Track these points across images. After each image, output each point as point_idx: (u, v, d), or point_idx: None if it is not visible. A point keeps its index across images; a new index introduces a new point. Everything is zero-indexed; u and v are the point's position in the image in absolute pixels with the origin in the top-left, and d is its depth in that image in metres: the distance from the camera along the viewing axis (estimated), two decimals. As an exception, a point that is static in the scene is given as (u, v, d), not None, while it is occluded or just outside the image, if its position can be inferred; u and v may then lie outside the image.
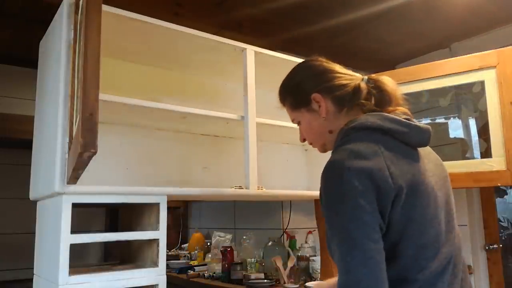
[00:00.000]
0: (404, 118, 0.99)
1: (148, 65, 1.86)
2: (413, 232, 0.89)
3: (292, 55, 1.91)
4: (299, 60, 1.89)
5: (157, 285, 1.34)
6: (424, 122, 2.76)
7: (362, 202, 0.86)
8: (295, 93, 1.15)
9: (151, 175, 1.75)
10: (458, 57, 2.11)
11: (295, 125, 1.69)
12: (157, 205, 1.38)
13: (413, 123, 0.98)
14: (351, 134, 0.98)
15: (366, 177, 0.87)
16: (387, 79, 1.09)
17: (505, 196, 3.54)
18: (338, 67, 1.12)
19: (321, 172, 0.94)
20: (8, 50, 2.88)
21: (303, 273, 2.23)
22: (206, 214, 3.45)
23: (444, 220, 0.95)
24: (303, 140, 1.21)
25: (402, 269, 0.89)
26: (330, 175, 0.91)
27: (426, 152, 1.02)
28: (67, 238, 1.20)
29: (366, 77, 1.10)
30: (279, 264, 2.15)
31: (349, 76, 1.10)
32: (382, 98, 1.05)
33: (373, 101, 1.05)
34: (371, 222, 0.86)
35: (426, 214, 0.91)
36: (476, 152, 2.66)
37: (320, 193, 0.94)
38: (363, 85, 1.07)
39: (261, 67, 1.76)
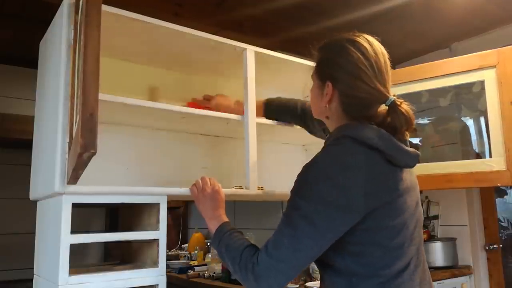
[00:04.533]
0: (400, 140, 1.03)
1: (148, 65, 1.86)
2: (381, 239, 0.97)
3: (292, 55, 1.91)
4: (299, 60, 1.90)
5: (157, 285, 1.34)
6: (424, 122, 2.77)
7: (327, 210, 0.93)
8: (321, 61, 1.13)
9: (151, 175, 1.75)
10: (458, 57, 2.11)
11: (295, 125, 1.67)
12: (157, 205, 1.38)
13: (404, 148, 1.02)
14: (344, 140, 1.00)
15: (340, 191, 0.93)
16: (408, 108, 1.05)
17: (505, 196, 3.54)
18: (372, 71, 1.04)
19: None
20: (8, 50, 2.87)
21: (303, 273, 2.23)
22: (206, 214, 3.44)
23: (412, 226, 1.02)
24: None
25: (369, 266, 0.97)
26: (310, 174, 0.99)
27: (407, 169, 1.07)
28: (67, 238, 1.20)
29: (392, 98, 1.04)
30: (279, 264, 2.15)
31: (376, 91, 1.03)
32: (394, 123, 1.04)
33: (384, 120, 1.05)
34: (323, 230, 0.94)
35: (396, 224, 0.98)
36: (476, 152, 2.66)
37: (297, 178, 1.02)
38: (381, 108, 1.05)
39: (261, 67, 1.76)
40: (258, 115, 1.68)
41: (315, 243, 0.94)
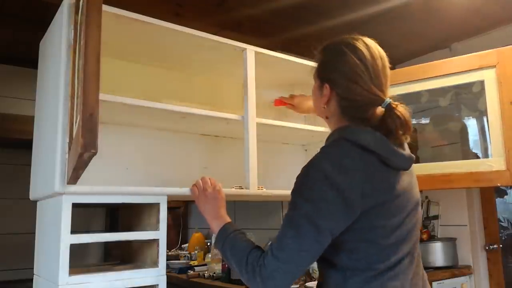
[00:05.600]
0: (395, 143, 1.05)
1: (148, 65, 1.86)
2: (375, 237, 1.00)
3: (292, 55, 1.91)
4: (299, 60, 1.91)
5: (157, 285, 1.34)
6: (424, 122, 2.77)
7: (327, 209, 0.96)
8: (321, 62, 1.17)
9: (151, 175, 1.75)
10: (458, 57, 2.11)
11: (295, 125, 1.67)
12: (157, 205, 1.38)
13: (399, 152, 1.04)
14: (341, 142, 1.03)
15: (338, 191, 0.96)
16: (404, 111, 1.07)
17: (505, 196, 3.54)
18: (368, 74, 1.06)
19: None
20: (8, 50, 2.88)
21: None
22: (206, 214, 3.44)
23: (409, 225, 1.05)
24: None
25: (363, 260, 1.00)
26: (309, 174, 1.02)
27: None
28: (67, 238, 1.20)
29: (388, 100, 1.07)
30: (279, 264, 2.15)
31: (372, 94, 1.06)
32: (389, 126, 1.05)
33: (381, 122, 1.06)
34: (324, 228, 0.96)
35: (391, 224, 1.01)
36: (476, 152, 2.66)
37: (296, 180, 1.04)
38: (379, 110, 1.07)
39: (261, 67, 1.76)
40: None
41: (317, 242, 0.97)
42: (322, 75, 1.15)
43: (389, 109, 1.06)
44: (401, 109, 1.06)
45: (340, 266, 1.02)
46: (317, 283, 1.13)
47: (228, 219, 1.21)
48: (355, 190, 0.96)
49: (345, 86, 1.09)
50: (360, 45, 1.09)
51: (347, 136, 1.04)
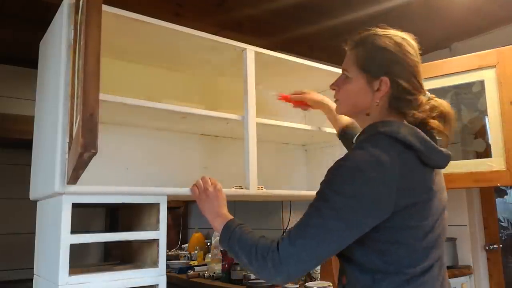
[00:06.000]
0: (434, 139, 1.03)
1: (148, 65, 1.86)
2: (407, 239, 0.96)
3: (292, 55, 1.91)
4: (299, 60, 1.90)
5: (157, 285, 1.34)
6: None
7: (357, 205, 0.92)
8: (373, 55, 1.07)
9: (151, 175, 1.75)
10: (458, 57, 2.11)
11: (295, 125, 1.62)
12: (157, 205, 1.38)
13: (438, 148, 1.01)
14: (379, 137, 0.99)
15: (371, 186, 0.92)
16: (447, 104, 1.07)
17: (505, 196, 3.55)
18: (419, 68, 1.08)
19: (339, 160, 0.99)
20: (8, 50, 2.88)
21: (303, 273, 2.23)
22: (206, 214, 3.44)
23: (438, 230, 1.03)
24: (333, 89, 1.17)
25: (394, 264, 0.96)
26: (343, 167, 0.96)
27: (438, 170, 1.07)
28: (67, 238, 1.20)
29: (428, 94, 1.07)
30: (279, 264, 2.14)
31: (421, 86, 1.07)
32: (434, 121, 1.05)
33: (426, 118, 1.05)
34: (351, 224, 0.93)
35: (423, 225, 0.98)
36: (476, 152, 2.65)
37: (329, 172, 0.99)
38: (424, 99, 1.05)
39: (261, 67, 1.76)
40: None
41: (340, 237, 0.94)
42: (376, 68, 1.06)
43: (431, 102, 1.05)
44: (444, 103, 1.05)
45: (369, 268, 0.97)
46: (340, 285, 1.07)
47: (230, 217, 1.18)
48: (389, 187, 0.92)
49: (407, 78, 1.04)
50: (408, 37, 1.09)
51: (387, 131, 0.99)
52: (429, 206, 0.99)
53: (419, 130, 1.00)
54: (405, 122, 1.04)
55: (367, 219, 0.93)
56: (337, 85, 1.15)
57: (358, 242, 0.96)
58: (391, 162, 0.94)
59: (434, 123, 1.04)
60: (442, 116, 1.05)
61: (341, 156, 1.00)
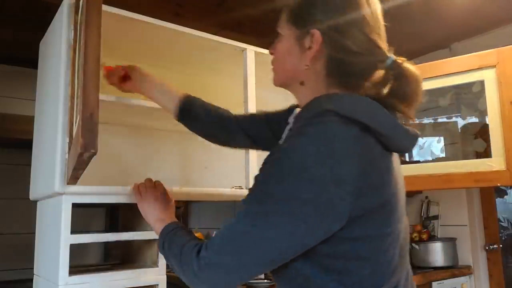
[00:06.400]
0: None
1: (148, 65, 1.85)
2: (372, 252, 0.75)
3: (292, 55, 1.91)
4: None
5: (157, 285, 1.34)
6: (424, 122, 2.76)
7: (301, 210, 0.70)
8: (300, 5, 0.86)
9: (151, 175, 1.75)
10: (458, 57, 2.11)
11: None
12: (157, 205, 1.38)
13: (404, 127, 0.78)
14: (328, 118, 0.72)
15: (320, 187, 0.69)
16: (415, 69, 0.81)
17: (505, 196, 3.55)
18: (372, 19, 0.81)
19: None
20: (8, 50, 2.87)
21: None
22: (206, 214, 3.45)
23: (404, 231, 0.82)
24: (271, 53, 0.99)
25: (356, 285, 0.74)
26: (283, 161, 0.73)
27: (395, 154, 0.83)
28: (67, 238, 1.20)
29: (393, 57, 0.81)
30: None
31: (376, 46, 0.81)
32: (400, 91, 0.78)
33: (384, 90, 0.78)
34: (290, 235, 0.71)
35: (390, 232, 0.76)
36: (476, 152, 2.65)
37: (264, 166, 0.77)
38: (380, 73, 0.79)
39: (261, 67, 1.76)
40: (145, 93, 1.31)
41: (273, 250, 0.72)
42: (304, 18, 0.83)
43: (396, 68, 0.79)
44: (411, 67, 0.80)
45: None
46: None
47: (172, 221, 1.02)
48: (345, 186, 0.69)
49: (343, 30, 0.79)
50: None
51: (336, 108, 0.72)
52: (393, 205, 0.76)
53: (378, 105, 0.76)
54: (357, 94, 0.79)
55: (313, 230, 0.70)
56: (273, 48, 0.95)
57: (304, 259, 0.75)
58: (345, 152, 0.70)
59: (394, 100, 0.78)
60: (406, 91, 0.79)
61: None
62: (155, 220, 1.08)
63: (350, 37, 0.79)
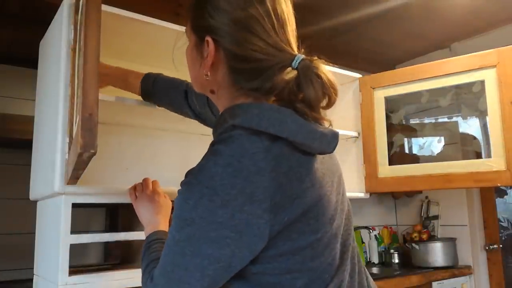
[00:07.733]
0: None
1: (148, 65, 1.85)
2: (303, 263, 0.72)
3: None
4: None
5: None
6: (424, 122, 2.76)
7: (219, 235, 0.67)
8: (198, 9, 0.79)
9: (151, 175, 1.75)
10: (458, 57, 2.11)
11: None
12: (157, 205, 1.38)
13: (321, 131, 0.74)
14: (236, 134, 0.70)
15: (234, 209, 0.66)
16: (324, 68, 0.76)
17: (505, 196, 3.55)
18: (269, 19, 0.76)
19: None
20: (8, 50, 2.87)
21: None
22: (206, 214, 3.44)
23: (341, 229, 0.79)
24: None
25: None
26: (194, 186, 0.70)
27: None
28: (67, 238, 1.20)
29: (300, 56, 0.75)
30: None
31: (274, 48, 0.74)
32: (307, 95, 0.73)
33: (294, 94, 0.74)
34: (214, 261, 0.69)
35: (320, 238, 0.73)
36: (476, 152, 2.66)
37: (178, 191, 0.73)
38: (288, 74, 0.73)
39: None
40: (121, 86, 1.39)
41: (206, 277, 0.70)
42: (200, 23, 0.78)
43: (304, 68, 0.73)
44: (320, 66, 0.74)
45: None
46: None
47: (162, 227, 1.01)
48: (260, 204, 0.66)
49: (236, 36, 0.74)
50: None
51: (243, 123, 0.70)
52: (320, 209, 0.73)
53: (288, 111, 0.72)
54: (265, 103, 0.75)
55: (238, 253, 0.68)
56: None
57: (239, 277, 0.73)
58: (257, 170, 0.66)
59: (302, 104, 0.74)
60: (312, 93, 0.73)
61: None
62: (147, 224, 1.11)
63: (244, 42, 0.74)
